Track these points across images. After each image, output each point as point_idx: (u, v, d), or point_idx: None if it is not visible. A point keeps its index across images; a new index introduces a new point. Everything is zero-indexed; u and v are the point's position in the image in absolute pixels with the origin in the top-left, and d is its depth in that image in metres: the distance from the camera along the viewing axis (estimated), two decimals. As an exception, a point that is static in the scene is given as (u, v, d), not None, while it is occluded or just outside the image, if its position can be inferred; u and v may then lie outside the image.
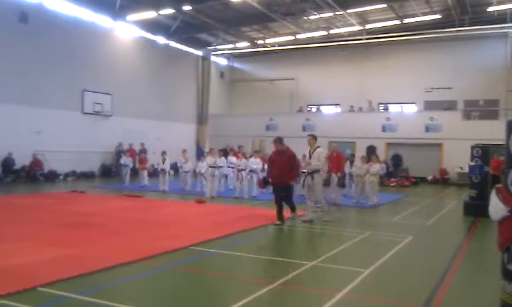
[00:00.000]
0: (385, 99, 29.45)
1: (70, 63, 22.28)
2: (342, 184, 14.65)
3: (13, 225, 9.27)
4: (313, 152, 10.79)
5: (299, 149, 18.87)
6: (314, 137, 11.09)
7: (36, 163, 20.33)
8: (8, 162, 19.45)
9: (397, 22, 25.85)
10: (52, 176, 20.86)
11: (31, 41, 20.43)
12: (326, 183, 14.51)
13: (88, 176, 22.88)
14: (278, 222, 10.10)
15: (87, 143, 23.04)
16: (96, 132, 23.70)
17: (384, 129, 27.00)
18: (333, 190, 14.42)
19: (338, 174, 14.45)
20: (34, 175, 20.06)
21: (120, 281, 5.77)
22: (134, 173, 21.47)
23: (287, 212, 10.62)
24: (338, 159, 14.76)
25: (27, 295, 4.98)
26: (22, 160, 19.98)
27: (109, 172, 24.07)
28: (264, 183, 11.80)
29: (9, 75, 19.57)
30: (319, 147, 10.93)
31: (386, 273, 6.53)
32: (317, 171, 10.64)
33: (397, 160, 25.37)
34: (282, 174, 10.25)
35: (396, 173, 24.63)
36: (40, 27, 20.86)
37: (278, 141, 10.59)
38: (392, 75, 28.61)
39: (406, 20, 25.63)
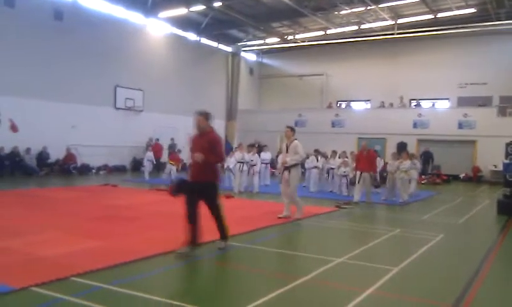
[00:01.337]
0: (417, 95, 28.89)
1: (103, 60, 22.76)
2: (377, 184, 14.06)
3: (48, 217, 9.57)
4: (289, 145, 10.14)
5: (328, 145, 18.67)
6: (292, 129, 10.29)
7: (70, 157, 20.88)
8: (43, 156, 20.05)
9: (430, 16, 25.31)
10: (85, 170, 21.40)
11: (65, 39, 20.95)
12: (353, 182, 14.36)
13: (119, 170, 23.38)
14: (182, 250, 6.59)
15: (119, 138, 23.51)
16: (128, 127, 24.16)
17: (415, 125, 26.54)
18: (364, 189, 13.81)
19: (371, 174, 13.92)
20: (67, 169, 20.61)
21: (150, 273, 5.89)
22: (157, 167, 21.80)
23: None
24: (369, 157, 14.03)
25: (61, 284, 5.13)
26: (56, 154, 20.56)
27: (140, 166, 24.47)
28: (176, 187, 7.20)
29: (44, 71, 20.13)
30: (295, 139, 10.20)
31: (416, 271, 6.45)
32: (295, 165, 10.07)
33: (427, 157, 24.88)
34: (201, 167, 6.83)
35: (426, 170, 24.18)
36: (74, 25, 21.37)
37: (201, 116, 7.05)
38: (424, 71, 28.05)
39: (440, 15, 25.05)
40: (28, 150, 19.44)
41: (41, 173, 19.68)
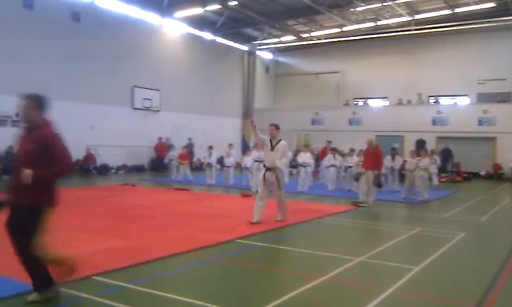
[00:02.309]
0: (435, 91, 28.54)
1: (120, 60, 22.99)
2: (378, 184, 12.84)
3: (69, 216, 9.67)
4: (275, 144, 9.42)
5: (345, 143, 18.44)
6: (277, 127, 9.56)
7: (90, 157, 21.15)
8: (63, 156, 20.29)
9: (448, 11, 24.92)
10: (104, 170, 21.67)
11: (83, 39, 21.22)
12: (357, 177, 13.90)
13: (138, 169, 23.60)
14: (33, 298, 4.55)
15: (137, 138, 23.72)
16: (146, 127, 24.35)
17: (434, 122, 26.22)
18: (367, 188, 12.87)
19: (375, 172, 12.75)
20: (87, 169, 20.88)
21: (170, 272, 5.94)
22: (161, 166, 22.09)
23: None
24: (374, 155, 12.90)
25: (83, 283, 5.19)
26: (76, 154, 20.80)
27: (158, 166, 24.69)
28: None
29: (62, 72, 20.41)
30: (281, 140, 9.53)
31: (437, 271, 6.36)
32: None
33: (446, 154, 24.55)
34: (21, 184, 4.34)
35: (446, 168, 23.86)
36: (91, 26, 21.63)
37: (28, 101, 4.89)
38: (443, 67, 27.68)
39: (458, 10, 24.67)
40: (48, 151, 19.70)
41: (61, 173, 19.92)
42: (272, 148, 9.38)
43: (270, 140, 9.45)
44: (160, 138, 24.57)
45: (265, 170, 9.49)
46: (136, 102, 24.08)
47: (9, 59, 18.59)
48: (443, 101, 28.28)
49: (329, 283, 5.60)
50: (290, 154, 9.80)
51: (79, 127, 20.83)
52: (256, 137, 9.56)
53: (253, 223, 9.04)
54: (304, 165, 16.49)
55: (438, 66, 27.85)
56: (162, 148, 23.80)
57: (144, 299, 4.87)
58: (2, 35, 18.42)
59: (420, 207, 12.96)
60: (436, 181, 16.40)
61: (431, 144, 24.61)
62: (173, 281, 5.65)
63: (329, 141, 20.83)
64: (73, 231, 8.05)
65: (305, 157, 16.69)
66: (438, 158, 17.17)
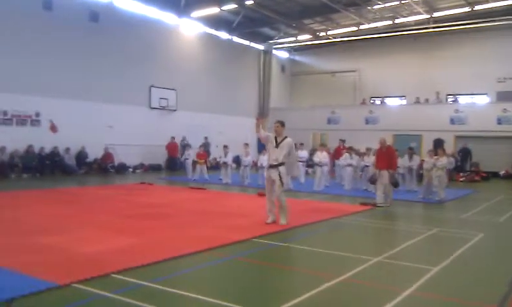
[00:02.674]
0: (454, 90, 28.20)
1: (138, 60, 23.20)
2: (394, 183, 12.76)
3: (88, 215, 9.83)
4: (280, 142, 9.18)
5: (362, 142, 18.28)
6: (282, 124, 9.35)
7: (108, 156, 21.39)
8: (82, 155, 20.61)
9: (467, 9, 24.60)
10: (121, 169, 21.89)
11: (101, 40, 21.49)
12: (373, 181, 13.41)
13: (154, 168, 23.79)
14: None
15: (154, 137, 23.90)
16: (162, 127, 24.51)
17: (452, 121, 25.88)
18: (383, 189, 12.72)
19: (390, 171, 12.53)
20: (105, 167, 21.12)
21: (188, 270, 5.97)
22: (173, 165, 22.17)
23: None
24: (388, 154, 12.75)
25: (102, 281, 5.25)
26: (94, 153, 21.10)
27: (174, 165, 24.86)
28: None
29: (81, 72, 20.68)
30: (287, 137, 9.29)
31: (457, 271, 6.29)
32: (282, 164, 9.14)
33: (464, 153, 24.23)
34: None
35: (465, 168, 23.54)
36: (110, 26, 21.87)
37: None
38: (461, 65, 27.30)
39: (477, 7, 24.31)
40: (67, 150, 20.01)
41: (81, 171, 20.24)
42: (277, 145, 9.16)
43: (275, 137, 9.23)
44: (173, 137, 24.40)
45: (268, 167, 9.29)
46: (153, 102, 24.28)
47: (28, 59, 18.89)
48: (462, 100, 27.90)
49: (347, 283, 5.58)
50: (295, 152, 9.55)
51: (97, 127, 21.13)
52: (260, 134, 9.37)
53: (268, 223, 9.01)
54: (320, 165, 16.44)
55: (457, 64, 27.48)
56: (174, 147, 23.86)
57: (162, 297, 4.91)
58: (21, 36, 18.73)
59: (438, 207, 12.82)
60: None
61: (449, 144, 24.34)
62: (190, 280, 5.69)
63: (342, 140, 20.70)
64: (91, 229, 8.17)
65: (321, 156, 16.64)
66: (452, 160, 16.84)
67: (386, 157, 12.69)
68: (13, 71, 18.32)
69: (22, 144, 18.66)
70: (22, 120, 18.85)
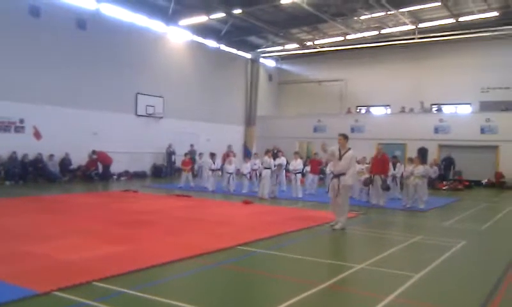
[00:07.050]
0: (438, 100, 28.53)
1: (125, 67, 23.08)
2: (386, 187, 14.26)
3: (71, 222, 9.74)
4: (344, 154, 9.96)
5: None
6: (345, 137, 10.10)
7: (92, 163, 21.18)
8: (65, 162, 20.37)
9: (452, 20, 24.97)
10: (106, 176, 21.65)
11: (88, 47, 21.33)
12: (367, 183, 14.74)
13: (140, 176, 23.61)
14: None
15: (139, 144, 23.76)
16: (149, 134, 24.40)
17: (436, 131, 26.22)
18: (377, 192, 14.41)
19: (382, 177, 14.24)
20: (89, 175, 20.91)
21: (171, 278, 5.96)
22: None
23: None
24: (382, 161, 14.52)
25: (84, 288, 5.21)
26: (78, 160, 20.89)
27: (160, 172, 24.75)
28: None
29: (67, 79, 20.48)
30: (350, 149, 10.07)
31: (437, 278, 6.36)
32: (343, 174, 9.88)
33: (448, 162, 24.53)
34: None
35: (448, 176, 23.83)
36: (97, 33, 21.74)
37: None
38: (446, 75, 27.71)
39: (461, 19, 24.72)
40: (51, 157, 19.77)
41: (64, 178, 20.01)
42: (340, 158, 9.95)
43: (339, 149, 10.03)
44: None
45: (333, 177, 10.32)
46: (140, 109, 24.15)
47: (14, 65, 18.69)
48: (446, 109, 28.28)
49: (330, 290, 5.61)
50: (355, 163, 10.36)
51: (82, 133, 20.91)
52: (327, 156, 10.60)
53: (334, 228, 9.76)
54: (295, 172, 16.62)
55: (441, 74, 27.89)
56: (104, 156, 21.72)
57: (144, 305, 4.89)
58: (8, 42, 18.52)
59: (421, 215, 12.95)
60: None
61: (433, 153, 24.61)
62: (173, 287, 5.67)
63: (324, 144, 20.61)
64: (74, 237, 8.09)
65: (295, 164, 16.90)
66: (436, 169, 17.07)
67: (380, 163, 14.36)
68: (-3, 77, 18.11)
69: (5, 151, 18.41)
70: (5, 127, 18.62)
